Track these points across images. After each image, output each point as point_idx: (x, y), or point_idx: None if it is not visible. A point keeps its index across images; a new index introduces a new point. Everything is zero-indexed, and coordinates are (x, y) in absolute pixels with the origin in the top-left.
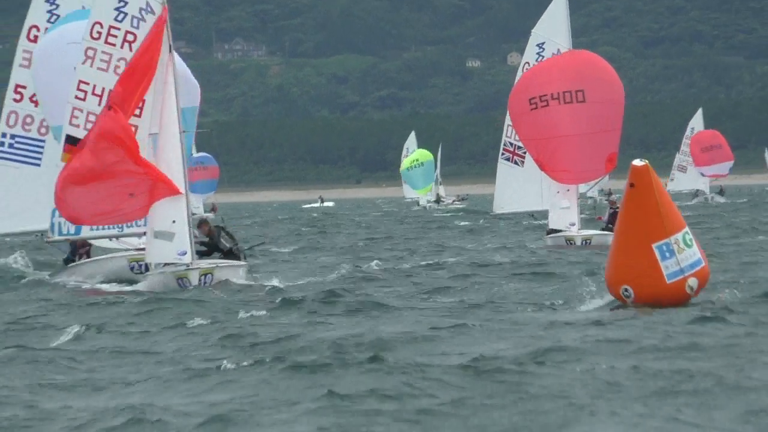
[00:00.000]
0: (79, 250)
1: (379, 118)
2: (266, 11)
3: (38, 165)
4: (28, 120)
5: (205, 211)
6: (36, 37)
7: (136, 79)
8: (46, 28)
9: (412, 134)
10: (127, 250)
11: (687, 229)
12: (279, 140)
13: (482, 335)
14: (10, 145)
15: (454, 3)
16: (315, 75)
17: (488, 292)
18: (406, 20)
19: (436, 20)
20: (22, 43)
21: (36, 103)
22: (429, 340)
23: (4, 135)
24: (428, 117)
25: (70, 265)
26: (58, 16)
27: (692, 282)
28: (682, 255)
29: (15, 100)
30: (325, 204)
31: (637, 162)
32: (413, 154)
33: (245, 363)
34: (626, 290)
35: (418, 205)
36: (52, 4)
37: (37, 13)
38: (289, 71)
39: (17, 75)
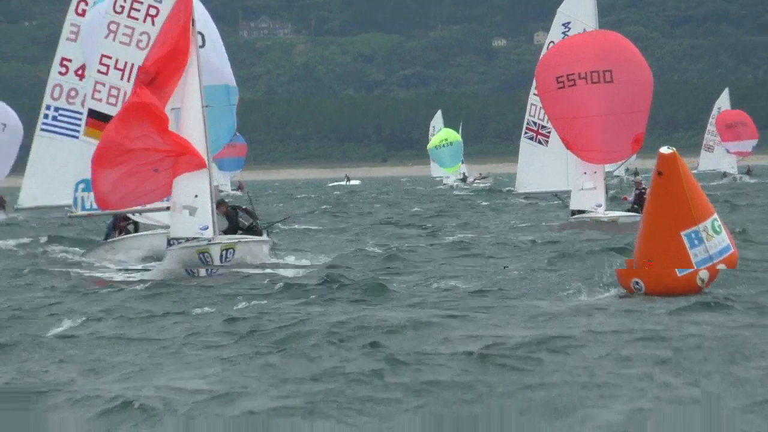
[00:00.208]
0: (120, 223)
1: (404, 97)
2: None
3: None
4: (72, 93)
5: (232, 189)
6: (84, 11)
7: (177, 63)
8: (94, 2)
9: (439, 113)
10: (167, 227)
11: (716, 215)
12: (304, 118)
13: (492, 320)
14: (54, 118)
15: None
16: (340, 53)
17: (504, 273)
18: None
19: None
20: (70, 17)
21: (81, 77)
22: (434, 325)
23: (48, 108)
24: (454, 96)
25: (109, 240)
26: None
27: (703, 275)
28: (711, 242)
29: (60, 74)
30: (352, 182)
31: (664, 149)
32: (440, 133)
33: (246, 347)
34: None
35: (444, 183)
36: None
37: None
38: (314, 49)
39: (64, 48)
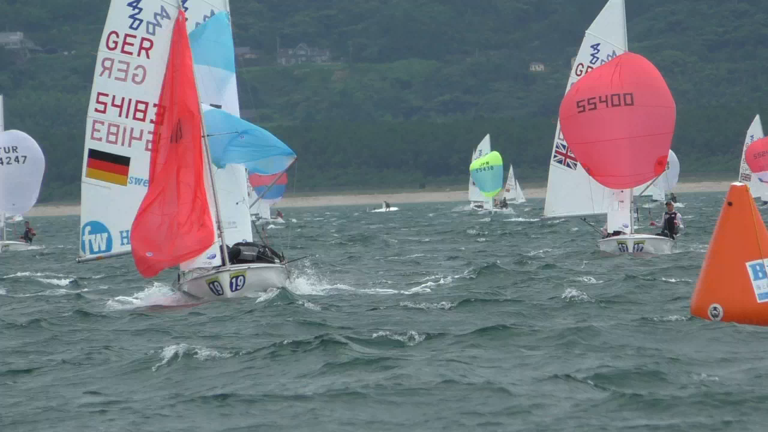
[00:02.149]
0: None
1: (442, 122)
2: (330, 16)
3: None
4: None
5: (272, 217)
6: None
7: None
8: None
9: (487, 137)
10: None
11: None
12: (343, 145)
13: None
14: None
15: (518, 7)
16: (378, 80)
17: (523, 304)
18: (469, 24)
19: (499, 24)
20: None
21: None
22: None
23: None
24: (492, 121)
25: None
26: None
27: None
28: None
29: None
30: (391, 209)
31: (736, 183)
32: (485, 156)
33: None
34: (715, 309)
35: (481, 208)
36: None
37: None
38: (352, 76)
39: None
